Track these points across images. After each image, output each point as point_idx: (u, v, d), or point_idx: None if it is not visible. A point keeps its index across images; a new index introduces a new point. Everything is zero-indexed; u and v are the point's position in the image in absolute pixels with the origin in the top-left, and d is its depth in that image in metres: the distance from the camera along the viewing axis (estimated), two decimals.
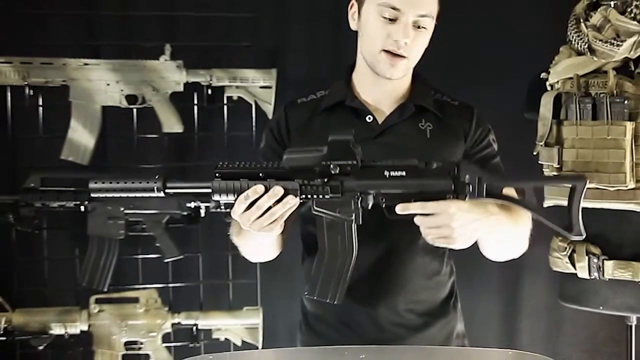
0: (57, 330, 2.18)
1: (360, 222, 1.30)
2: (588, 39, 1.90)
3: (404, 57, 1.40)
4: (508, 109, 2.27)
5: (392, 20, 1.37)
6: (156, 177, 1.28)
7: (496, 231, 1.33)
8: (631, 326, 2.07)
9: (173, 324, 2.25)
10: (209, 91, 2.25)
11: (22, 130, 2.22)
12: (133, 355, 2.26)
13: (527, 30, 2.39)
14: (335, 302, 1.32)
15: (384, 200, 1.28)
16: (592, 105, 1.90)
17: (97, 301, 2.22)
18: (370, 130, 1.43)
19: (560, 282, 2.12)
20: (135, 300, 2.25)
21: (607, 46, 1.87)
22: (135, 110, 2.24)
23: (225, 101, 2.29)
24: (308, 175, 1.26)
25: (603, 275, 1.95)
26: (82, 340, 2.23)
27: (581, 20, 1.94)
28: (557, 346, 2.54)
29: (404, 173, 1.26)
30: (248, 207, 1.24)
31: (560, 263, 2.04)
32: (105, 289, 2.17)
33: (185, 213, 2.17)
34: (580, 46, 1.93)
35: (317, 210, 1.29)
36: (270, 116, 2.21)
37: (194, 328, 2.26)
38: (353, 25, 1.47)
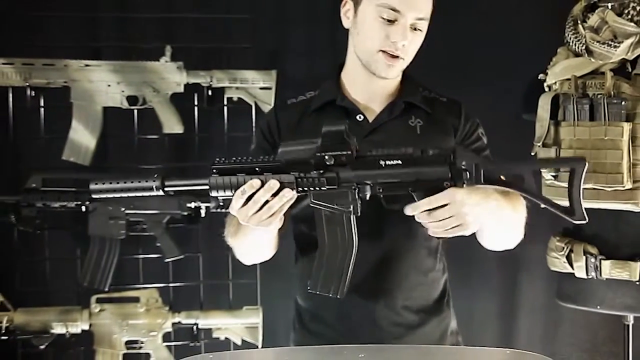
0: (58, 329, 2.18)
1: (359, 214, 1.29)
2: (586, 41, 1.91)
3: (400, 58, 1.41)
4: (506, 109, 2.28)
5: (391, 22, 1.38)
6: (155, 175, 1.28)
7: (496, 215, 1.32)
8: (628, 325, 2.08)
9: (173, 323, 2.26)
10: (209, 92, 2.25)
11: (23, 131, 2.23)
12: (134, 355, 2.27)
13: (525, 32, 2.39)
14: (338, 297, 1.31)
15: (380, 190, 1.27)
16: (590, 106, 1.91)
17: (98, 301, 2.22)
18: (361, 129, 1.43)
19: (558, 282, 2.13)
20: (136, 299, 2.25)
21: (604, 47, 1.89)
22: (136, 111, 2.25)
23: (225, 102, 2.29)
24: (304, 167, 1.25)
25: (600, 275, 1.96)
26: (83, 339, 2.23)
27: (579, 21, 1.96)
28: (555, 346, 2.54)
29: (399, 162, 1.26)
30: (245, 202, 1.24)
31: (558, 263, 2.05)
32: (106, 289, 2.19)
33: (185, 213, 2.18)
34: (578, 47, 1.94)
35: (314, 203, 1.28)
36: None
37: (195, 327, 2.27)
38: (346, 24, 1.47)
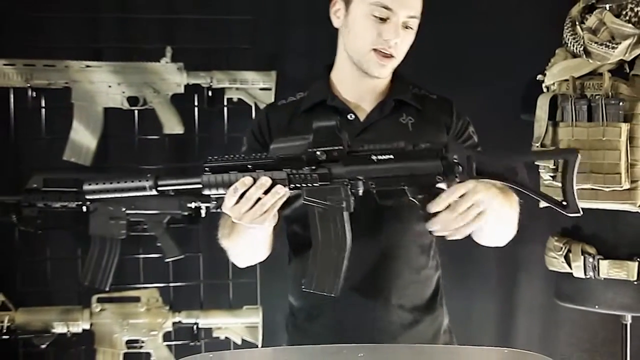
0: (59, 329, 2.19)
1: (352, 210, 1.28)
2: (584, 42, 1.92)
3: (392, 56, 1.41)
4: (505, 110, 2.29)
5: (383, 20, 1.38)
6: (148, 175, 1.28)
7: (495, 209, 1.31)
8: (626, 325, 2.09)
9: (174, 323, 2.26)
10: (210, 93, 2.26)
11: (24, 131, 2.24)
12: (134, 354, 2.27)
13: (524, 33, 2.39)
14: (332, 295, 1.30)
15: (373, 185, 1.26)
16: (588, 106, 1.92)
17: (99, 300, 2.23)
18: (352, 128, 1.41)
19: (556, 282, 2.14)
20: (137, 299, 2.26)
21: (602, 48, 1.89)
22: (136, 111, 2.25)
23: (225, 103, 2.30)
24: (296, 164, 1.25)
25: (598, 274, 1.97)
26: (84, 338, 2.24)
27: (577, 23, 1.96)
28: (553, 345, 2.54)
29: (391, 156, 1.24)
30: (238, 199, 1.23)
31: (556, 262, 2.05)
32: (107, 289, 2.19)
33: (186, 213, 2.19)
34: (576, 48, 1.95)
35: (306, 200, 1.28)
36: None
37: (195, 327, 2.27)
38: (336, 23, 1.46)
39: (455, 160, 1.23)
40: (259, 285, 2.32)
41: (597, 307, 2.02)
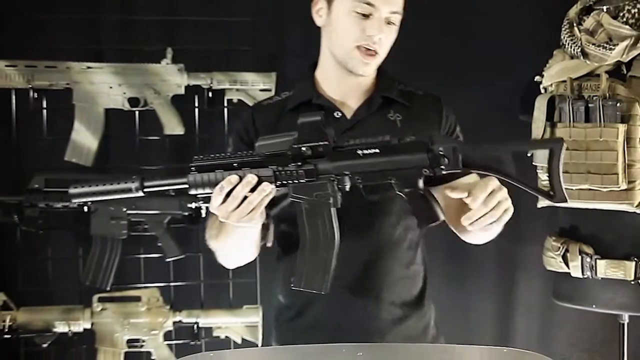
0: (60, 328, 2.20)
1: (339, 206, 1.27)
2: (581, 43, 1.93)
3: (376, 54, 1.41)
4: (503, 110, 2.30)
5: (366, 16, 1.38)
6: (133, 177, 1.26)
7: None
8: (623, 324, 2.09)
9: (174, 322, 2.27)
10: (210, 94, 2.27)
11: (26, 132, 2.25)
12: (135, 353, 2.28)
13: (522, 33, 2.41)
14: (322, 292, 1.29)
15: (360, 180, 1.25)
16: (585, 107, 1.92)
17: (100, 300, 2.24)
18: (339, 126, 1.41)
19: (554, 281, 2.15)
20: (138, 299, 2.27)
21: (599, 50, 1.90)
22: (137, 112, 2.27)
23: (225, 104, 2.31)
24: (282, 160, 1.24)
25: (596, 274, 1.98)
26: (85, 338, 2.25)
27: (574, 24, 1.97)
28: (551, 345, 2.54)
29: (377, 150, 1.24)
30: (225, 198, 1.22)
31: (554, 262, 2.06)
32: (108, 288, 2.21)
33: (186, 213, 2.20)
34: (574, 50, 1.95)
35: (293, 197, 1.27)
36: None
37: (195, 326, 2.28)
38: (319, 22, 1.47)
39: (441, 153, 1.22)
40: (258, 285, 2.32)
41: (594, 306, 2.03)
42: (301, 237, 1.30)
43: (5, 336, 2.17)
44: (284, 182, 1.25)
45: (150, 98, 2.24)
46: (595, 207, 1.93)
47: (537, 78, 2.07)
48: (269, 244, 1.53)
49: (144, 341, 2.26)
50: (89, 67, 2.21)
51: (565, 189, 1.23)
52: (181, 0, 2.36)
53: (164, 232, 2.20)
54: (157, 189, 1.28)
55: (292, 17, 2.40)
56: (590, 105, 1.92)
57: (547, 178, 1.92)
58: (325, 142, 1.24)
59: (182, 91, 2.26)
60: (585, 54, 1.93)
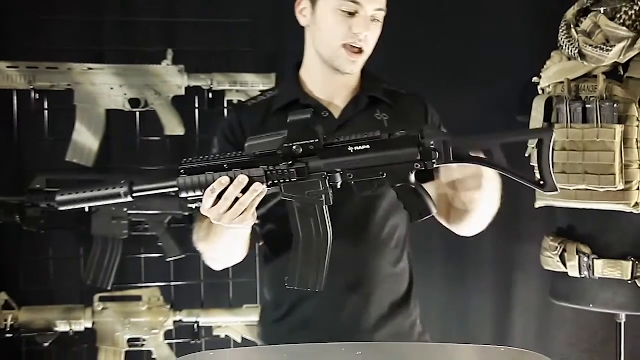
0: (62, 327, 2.21)
1: (331, 203, 1.26)
2: (579, 45, 1.93)
3: (362, 51, 1.42)
4: (501, 111, 2.31)
5: (351, 14, 1.39)
6: (122, 182, 1.24)
7: (491, 200, 1.35)
8: (620, 324, 2.10)
9: (175, 322, 2.28)
10: (210, 95, 2.29)
11: (28, 133, 2.26)
12: (136, 352, 2.29)
13: (520, 35, 2.41)
14: (316, 290, 1.28)
15: (351, 177, 1.24)
16: (583, 108, 1.92)
17: (101, 299, 2.25)
18: (327, 125, 1.37)
19: (551, 281, 2.15)
20: (138, 298, 2.28)
21: (597, 51, 1.90)
22: (138, 113, 2.28)
23: (225, 105, 2.32)
24: (272, 160, 1.23)
25: (593, 274, 1.98)
26: (86, 337, 2.26)
27: (572, 26, 1.97)
28: (550, 344, 2.54)
29: (368, 146, 1.22)
30: (216, 200, 1.21)
31: (551, 262, 2.07)
32: (109, 288, 2.22)
33: (187, 213, 2.21)
34: (571, 51, 1.96)
35: (285, 196, 1.25)
36: None
37: (195, 325, 2.29)
38: (303, 22, 1.46)
39: (432, 146, 1.21)
40: (258, 284, 2.33)
41: (591, 306, 2.04)
42: (294, 236, 1.29)
43: (7, 335, 2.18)
44: (276, 181, 1.24)
45: (151, 99, 2.25)
46: (592, 208, 1.93)
47: (534, 79, 2.08)
48: (261, 243, 1.53)
49: (144, 340, 2.27)
50: (90, 69, 2.22)
51: (563, 189, 1.24)
52: (181, 1, 2.37)
53: (165, 232, 2.21)
54: (146, 194, 1.26)
55: (292, 18, 2.38)
56: (587, 106, 1.92)
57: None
58: (316, 140, 1.23)
59: (182, 92, 2.27)
60: (582, 56, 1.94)
